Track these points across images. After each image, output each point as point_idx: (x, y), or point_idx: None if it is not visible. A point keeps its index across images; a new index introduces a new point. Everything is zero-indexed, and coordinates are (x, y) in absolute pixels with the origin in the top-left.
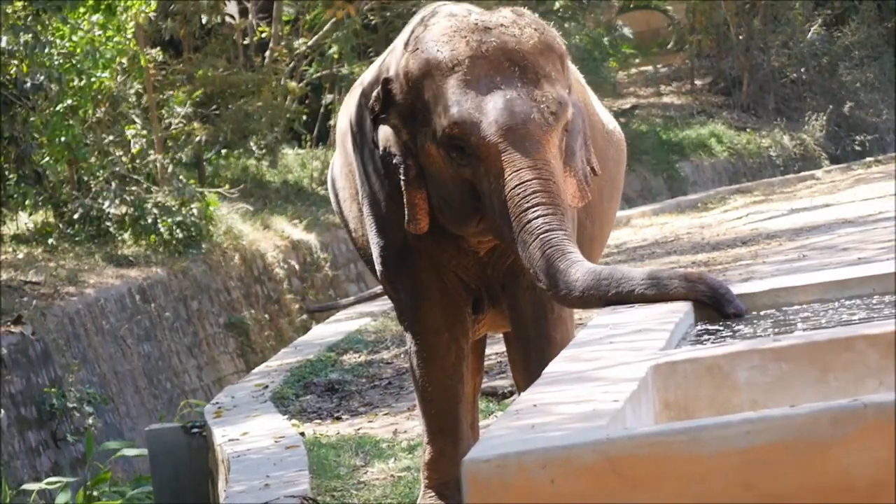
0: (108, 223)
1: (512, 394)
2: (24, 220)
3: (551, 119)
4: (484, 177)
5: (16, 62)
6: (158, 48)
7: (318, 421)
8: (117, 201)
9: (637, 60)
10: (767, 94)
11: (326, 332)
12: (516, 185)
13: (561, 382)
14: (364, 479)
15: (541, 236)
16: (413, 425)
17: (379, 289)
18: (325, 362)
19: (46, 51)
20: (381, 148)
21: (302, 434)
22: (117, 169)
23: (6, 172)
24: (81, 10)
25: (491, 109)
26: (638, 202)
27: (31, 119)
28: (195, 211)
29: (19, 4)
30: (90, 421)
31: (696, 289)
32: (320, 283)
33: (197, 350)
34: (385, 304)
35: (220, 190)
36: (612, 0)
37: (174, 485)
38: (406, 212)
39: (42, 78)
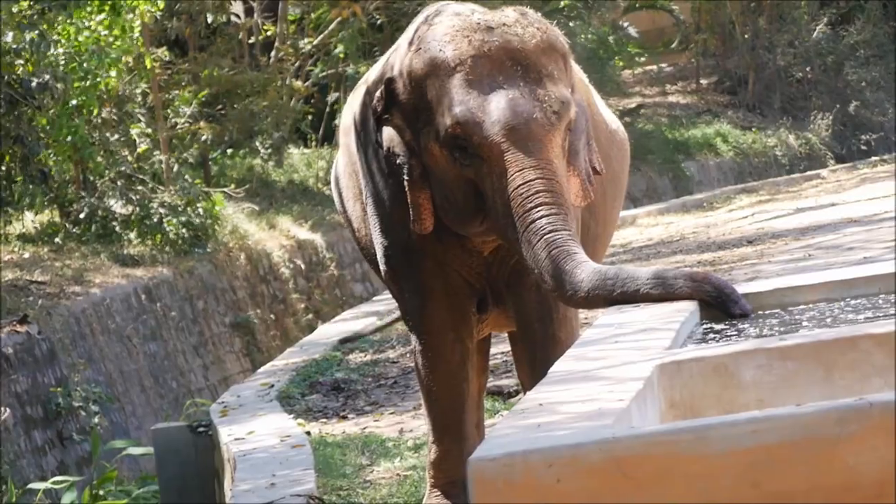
0: (114, 223)
1: (517, 393)
2: (30, 220)
3: (554, 118)
4: (487, 176)
5: (21, 61)
6: (164, 48)
7: (324, 420)
8: (123, 201)
9: (642, 60)
10: (773, 94)
11: (332, 331)
12: (519, 185)
13: (567, 381)
14: (370, 477)
15: (545, 237)
16: (419, 424)
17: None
18: (330, 361)
19: (52, 50)
20: (384, 148)
21: (308, 433)
22: (123, 168)
23: (12, 172)
24: (87, 9)
25: (494, 109)
26: (643, 202)
27: (37, 118)
28: (201, 210)
29: (25, 4)
30: (96, 420)
31: (701, 289)
32: (326, 282)
33: (203, 349)
34: (391, 303)
35: (225, 189)
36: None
37: (180, 484)
38: (410, 212)
39: (48, 77)
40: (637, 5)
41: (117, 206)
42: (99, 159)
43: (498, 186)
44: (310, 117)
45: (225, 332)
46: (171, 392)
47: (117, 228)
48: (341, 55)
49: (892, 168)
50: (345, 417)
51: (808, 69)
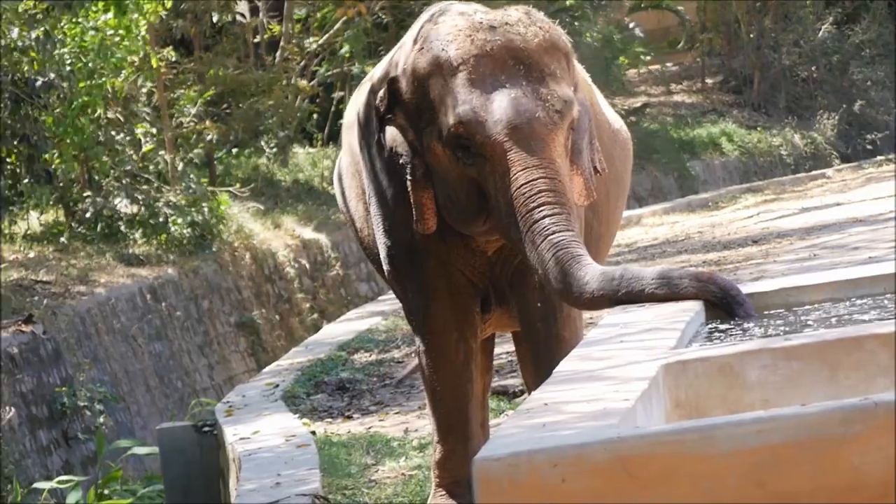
0: (120, 222)
1: (522, 393)
2: (36, 220)
3: (556, 118)
4: (490, 176)
5: (27, 59)
6: (170, 48)
7: (329, 420)
8: (128, 200)
9: (648, 59)
10: (778, 93)
11: (337, 331)
12: (522, 185)
13: (572, 381)
14: (375, 477)
15: (549, 237)
16: (424, 424)
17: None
18: (335, 361)
19: (58, 49)
20: (387, 147)
21: (313, 433)
22: (128, 168)
23: (17, 171)
24: (93, 9)
25: (496, 108)
26: (649, 201)
27: (42, 118)
28: (206, 210)
29: (30, 3)
30: (101, 420)
31: (706, 289)
32: (331, 282)
33: (208, 349)
34: (396, 303)
35: (230, 189)
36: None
37: (185, 483)
38: (413, 211)
39: (53, 76)
40: (642, 5)
41: (122, 206)
42: (104, 158)
43: (501, 186)
44: (315, 117)
45: (230, 331)
46: (177, 392)
47: (122, 228)
48: (347, 54)
49: None
50: (350, 417)
51: (813, 68)
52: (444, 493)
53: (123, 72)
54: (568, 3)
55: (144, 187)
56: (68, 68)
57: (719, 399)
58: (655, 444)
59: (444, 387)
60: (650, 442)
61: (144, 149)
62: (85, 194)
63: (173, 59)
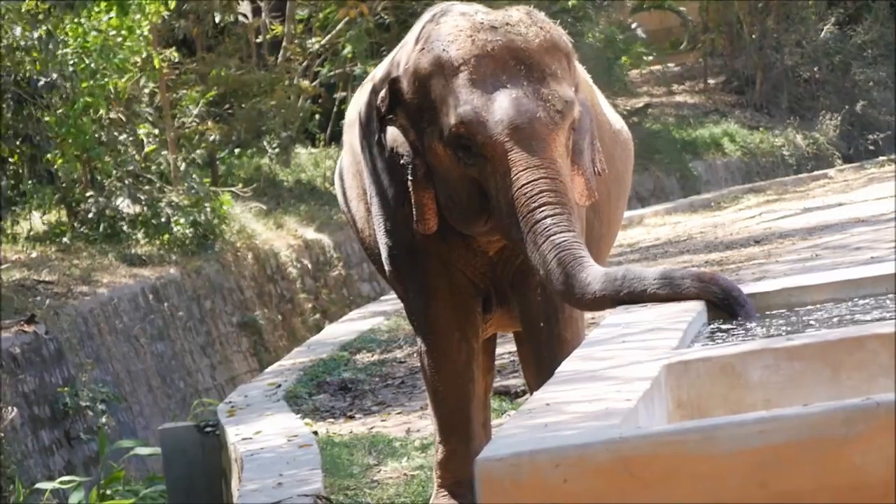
0: (122, 222)
1: (525, 393)
2: (38, 220)
3: (557, 118)
4: (491, 176)
5: (29, 59)
6: (173, 48)
7: (331, 420)
8: (130, 201)
9: (650, 59)
10: (780, 93)
11: (339, 331)
12: (523, 185)
13: (574, 381)
14: (377, 477)
15: (551, 238)
16: (426, 424)
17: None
18: (338, 361)
19: (60, 49)
20: (388, 148)
21: (315, 433)
22: (131, 168)
23: (19, 171)
24: (95, 9)
25: (497, 108)
26: (651, 201)
27: (46, 119)
28: (208, 210)
29: (32, 3)
30: (103, 420)
31: (708, 289)
32: (333, 282)
33: (210, 349)
34: (398, 303)
35: (233, 189)
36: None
37: (187, 484)
38: (414, 212)
39: (55, 76)
40: (644, 5)
41: (125, 206)
42: (107, 159)
43: (502, 186)
44: (317, 117)
45: (232, 331)
46: (179, 392)
47: (125, 228)
48: (349, 55)
49: None
50: (352, 417)
51: (815, 69)
52: (446, 493)
53: (126, 74)
54: (570, 3)
55: (147, 187)
56: (71, 69)
57: (721, 399)
58: (657, 445)
59: (445, 387)
60: (652, 442)
61: (147, 149)
62: (87, 194)
63: (176, 59)
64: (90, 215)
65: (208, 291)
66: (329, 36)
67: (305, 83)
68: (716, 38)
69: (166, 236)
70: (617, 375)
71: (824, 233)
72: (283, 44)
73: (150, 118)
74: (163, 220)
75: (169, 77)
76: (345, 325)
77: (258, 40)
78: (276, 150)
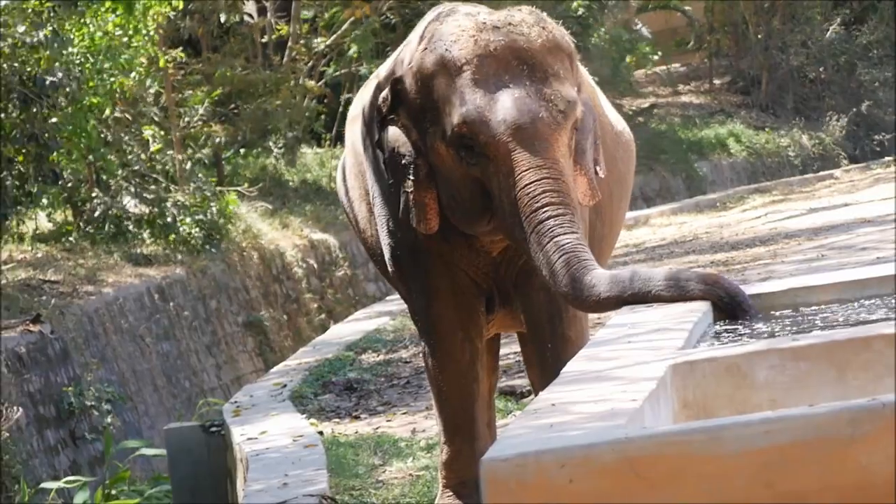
0: (128, 222)
1: (530, 393)
2: (44, 219)
3: (560, 118)
4: (493, 176)
5: (34, 58)
6: (179, 49)
7: (337, 420)
8: (136, 200)
9: (655, 59)
10: (786, 94)
11: (345, 331)
12: (526, 185)
13: (579, 382)
14: (382, 477)
15: (555, 240)
16: (431, 424)
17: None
18: (343, 361)
19: (67, 49)
20: (389, 148)
21: (320, 433)
22: (137, 168)
23: (24, 171)
24: (101, 10)
25: (500, 108)
26: (657, 201)
27: (53, 120)
28: (214, 210)
29: (35, 2)
30: (109, 420)
31: (713, 292)
32: (339, 282)
33: (215, 349)
34: (403, 303)
35: (238, 189)
36: (631, 0)
37: (193, 484)
38: (415, 212)
39: (61, 76)
40: (650, 6)
41: (131, 206)
42: (112, 158)
43: (504, 185)
44: (323, 117)
45: (238, 331)
46: (184, 392)
47: (131, 228)
48: (354, 55)
49: None
50: (357, 417)
51: (821, 69)
52: (451, 493)
53: (132, 72)
54: (575, 3)
55: (152, 187)
56: (77, 68)
57: (727, 399)
58: (663, 445)
59: (450, 387)
60: (658, 442)
61: (153, 149)
62: (93, 194)
63: (181, 59)
64: (96, 215)
65: (214, 291)
66: (335, 36)
67: (311, 83)
68: (721, 39)
69: (172, 236)
70: (622, 376)
71: (830, 233)
72: (289, 44)
73: (156, 118)
74: (168, 219)
75: (174, 77)
76: (350, 325)
77: (263, 40)
78: (282, 149)
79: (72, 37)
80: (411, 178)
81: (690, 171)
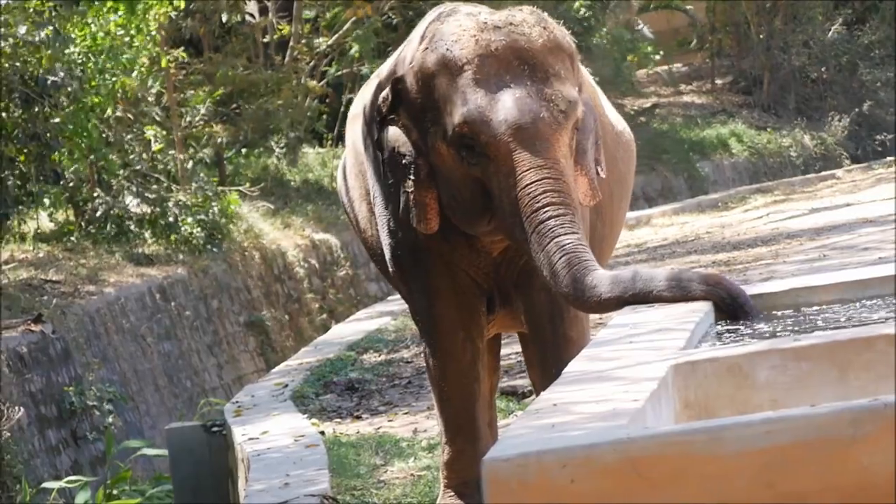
0: (129, 222)
1: (532, 393)
2: (46, 219)
3: (561, 118)
4: (494, 175)
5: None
6: (181, 49)
7: (338, 420)
8: (138, 200)
9: (657, 58)
10: (788, 94)
11: (346, 331)
12: (527, 185)
13: (581, 382)
14: (384, 477)
15: (555, 240)
16: (433, 424)
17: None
18: (345, 361)
19: (69, 49)
20: (389, 147)
21: (322, 433)
22: (138, 168)
23: (26, 171)
24: (103, 9)
25: (500, 108)
26: (658, 201)
27: (55, 119)
28: (216, 210)
29: (36, 2)
30: (110, 419)
31: (715, 293)
32: (340, 282)
33: (217, 349)
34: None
35: (240, 189)
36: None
37: (194, 483)
38: (415, 212)
39: (62, 75)
40: (651, 6)
41: (132, 206)
42: (113, 157)
43: (505, 185)
44: (325, 117)
45: (239, 331)
46: (186, 391)
47: (132, 228)
48: (356, 55)
49: None
50: (359, 417)
51: (823, 69)
52: (452, 493)
53: (134, 72)
54: (577, 3)
55: (154, 187)
56: (79, 69)
57: (728, 399)
58: (665, 445)
59: (451, 387)
60: (659, 442)
61: (154, 148)
62: (95, 194)
63: (183, 59)
64: (97, 215)
65: (215, 291)
66: (336, 36)
67: (313, 83)
68: (723, 39)
69: (173, 236)
70: (624, 376)
71: (832, 233)
72: (291, 43)
73: (158, 118)
74: (170, 219)
75: (176, 77)
76: (352, 325)
77: (265, 40)
78: (284, 149)
79: (73, 36)
80: (412, 177)
81: (692, 171)
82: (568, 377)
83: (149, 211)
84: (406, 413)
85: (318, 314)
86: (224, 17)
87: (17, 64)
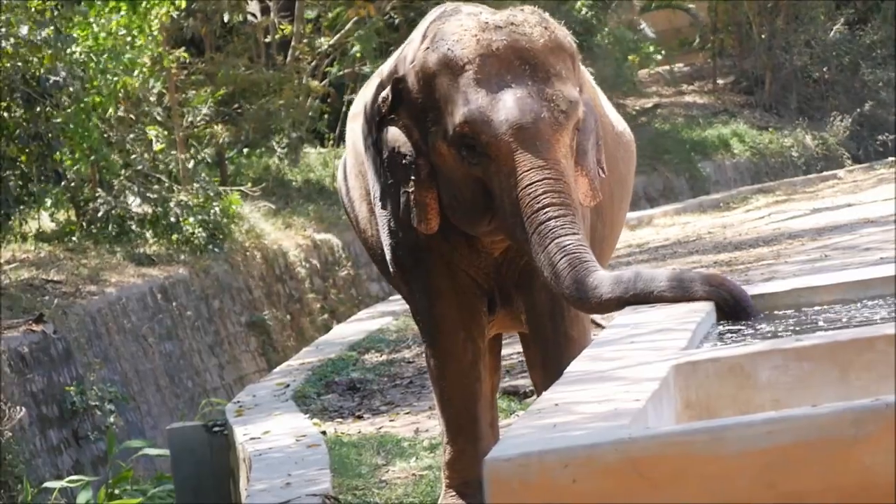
0: (131, 222)
1: (533, 393)
2: (47, 219)
3: (562, 118)
4: (495, 175)
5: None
6: (183, 49)
7: (340, 420)
8: (140, 200)
9: (659, 58)
10: (789, 94)
11: (348, 331)
12: (527, 185)
13: (582, 382)
14: (385, 477)
15: (556, 241)
16: (434, 424)
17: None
18: (346, 361)
19: (70, 48)
20: (389, 147)
21: (323, 433)
22: (140, 168)
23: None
24: (105, 9)
25: (501, 108)
26: (660, 202)
27: (57, 120)
28: (217, 210)
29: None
30: (111, 419)
31: (718, 294)
32: (342, 282)
33: (218, 349)
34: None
35: (242, 189)
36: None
37: (195, 483)
38: (416, 212)
39: (64, 75)
40: (653, 5)
41: (134, 206)
42: (115, 157)
43: (506, 186)
44: (326, 117)
45: (241, 331)
46: (187, 391)
47: (134, 228)
48: (358, 54)
49: None
50: (360, 417)
51: (824, 69)
52: (454, 493)
53: (136, 71)
54: (579, 3)
55: (156, 187)
56: (81, 69)
57: (730, 399)
58: (666, 445)
59: (452, 387)
60: (661, 442)
61: (156, 148)
62: (96, 194)
63: (185, 59)
64: (99, 215)
65: (217, 291)
66: (338, 36)
67: (314, 83)
68: (725, 39)
69: (175, 236)
70: (626, 376)
71: (833, 233)
72: (292, 43)
73: (160, 118)
74: (171, 219)
75: (178, 77)
76: (353, 325)
77: (267, 40)
78: (285, 149)
79: (75, 36)
80: (412, 177)
81: (694, 171)
82: (569, 377)
83: (150, 211)
84: (408, 413)
85: (320, 314)
86: (226, 17)
87: (19, 63)
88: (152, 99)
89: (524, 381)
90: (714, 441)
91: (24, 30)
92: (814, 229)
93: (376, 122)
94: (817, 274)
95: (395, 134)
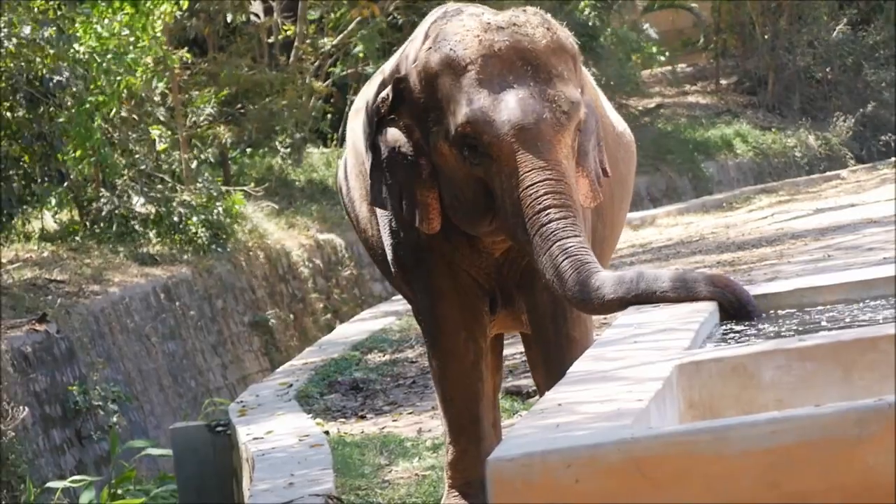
0: (134, 222)
1: (536, 393)
2: (50, 219)
3: (563, 119)
4: (496, 176)
5: (39, 57)
6: (186, 49)
7: (343, 420)
8: (142, 200)
9: (662, 59)
10: (793, 94)
11: (351, 331)
12: (529, 186)
13: (585, 382)
14: (388, 477)
15: (558, 242)
16: (437, 424)
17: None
18: (349, 361)
19: (74, 48)
20: (390, 147)
21: (326, 433)
22: (143, 167)
23: (30, 171)
24: (109, 9)
25: (503, 108)
26: (663, 202)
27: (60, 120)
28: (220, 209)
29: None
30: (114, 419)
31: (722, 295)
32: (345, 282)
33: (221, 349)
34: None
35: (245, 188)
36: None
37: (198, 483)
38: (417, 212)
39: (67, 75)
40: (656, 5)
41: (137, 205)
42: (118, 157)
43: (507, 186)
44: (329, 117)
45: (244, 331)
46: (190, 391)
47: (137, 227)
48: (361, 55)
49: None
50: (363, 417)
51: (827, 70)
52: (456, 493)
53: (139, 71)
54: (582, 4)
55: (159, 187)
56: (84, 69)
57: (733, 399)
58: (669, 445)
59: (454, 387)
60: (664, 442)
61: (159, 148)
62: (99, 194)
63: (188, 59)
64: (102, 214)
65: (220, 291)
66: (341, 36)
67: (317, 83)
68: (728, 39)
69: (178, 236)
70: (629, 376)
71: (836, 233)
72: (295, 44)
73: (163, 118)
74: (175, 219)
75: (181, 77)
76: (356, 325)
77: (270, 40)
78: (288, 149)
79: (78, 35)
80: (413, 177)
81: (697, 171)
82: (572, 377)
83: (153, 211)
84: (410, 413)
85: (323, 314)
86: (229, 17)
87: (22, 64)
88: (156, 99)
89: (527, 382)
90: (717, 441)
91: (26, 30)
92: (817, 229)
93: (377, 121)
94: (820, 274)
95: (395, 134)
